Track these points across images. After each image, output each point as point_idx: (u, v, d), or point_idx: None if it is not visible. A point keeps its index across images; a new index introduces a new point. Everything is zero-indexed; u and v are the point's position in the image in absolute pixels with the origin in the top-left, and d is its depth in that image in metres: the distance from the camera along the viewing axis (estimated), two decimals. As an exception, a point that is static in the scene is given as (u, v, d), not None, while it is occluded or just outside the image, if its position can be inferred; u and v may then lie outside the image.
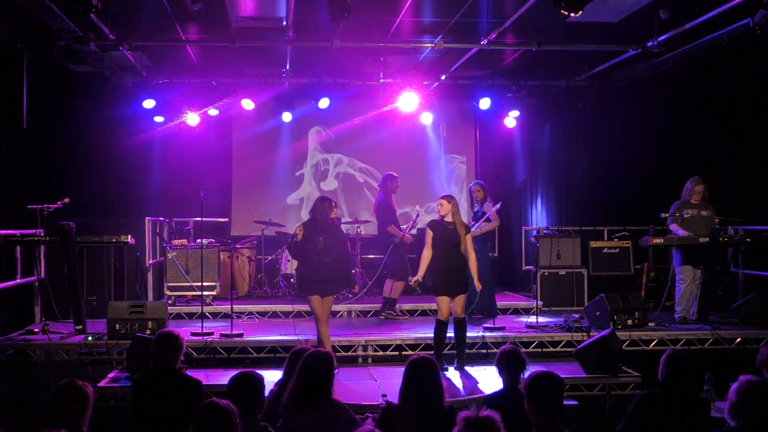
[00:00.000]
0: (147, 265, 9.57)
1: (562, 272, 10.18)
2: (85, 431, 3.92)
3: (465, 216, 10.11)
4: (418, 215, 9.67)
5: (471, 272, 7.36)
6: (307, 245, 7.21)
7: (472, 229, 8.80)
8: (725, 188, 9.84)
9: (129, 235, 8.34)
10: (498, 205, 9.01)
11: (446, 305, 7.21)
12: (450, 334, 7.37)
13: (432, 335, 7.40)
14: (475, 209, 9.36)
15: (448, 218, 7.30)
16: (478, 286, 7.39)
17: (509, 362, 4.83)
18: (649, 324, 8.38)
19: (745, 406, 3.72)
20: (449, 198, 7.43)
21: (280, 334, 8.05)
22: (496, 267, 10.70)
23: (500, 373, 4.94)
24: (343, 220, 11.35)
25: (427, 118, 11.79)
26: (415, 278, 7.43)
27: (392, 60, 10.15)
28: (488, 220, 8.98)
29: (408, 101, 10.58)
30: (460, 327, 7.28)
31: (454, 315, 7.25)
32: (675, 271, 8.89)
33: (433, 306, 7.43)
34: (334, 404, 4.30)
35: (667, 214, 8.77)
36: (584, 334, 7.96)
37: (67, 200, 8.22)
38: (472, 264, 7.39)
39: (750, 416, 3.72)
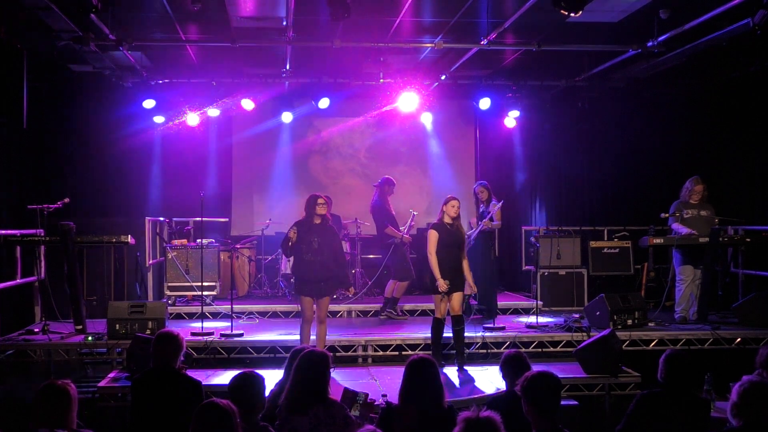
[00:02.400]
0: (147, 265, 9.57)
1: (562, 272, 10.18)
2: (75, 428, 3.91)
3: (468, 217, 10.11)
4: (413, 217, 9.67)
5: (466, 274, 7.37)
6: (300, 245, 7.19)
7: (477, 229, 8.84)
8: (725, 188, 9.84)
9: (129, 235, 8.34)
10: (500, 204, 9.01)
11: (444, 303, 7.23)
12: (448, 333, 7.37)
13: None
14: (481, 209, 9.34)
15: (449, 220, 7.31)
16: (474, 288, 7.41)
17: (513, 367, 4.81)
18: (649, 324, 8.39)
19: (746, 405, 3.72)
20: (458, 200, 7.43)
21: (280, 334, 8.06)
22: (496, 267, 10.69)
23: (504, 377, 4.95)
24: (342, 220, 11.35)
25: (427, 118, 11.77)
26: (442, 284, 7.08)
27: (392, 60, 10.14)
28: (491, 219, 8.98)
29: (408, 101, 10.56)
30: (459, 324, 7.27)
31: (452, 312, 7.25)
32: (675, 271, 8.90)
33: (433, 306, 7.42)
34: (330, 404, 4.29)
35: (667, 214, 8.78)
36: (584, 334, 7.96)
37: (67, 200, 8.23)
38: (466, 265, 7.39)
39: (752, 416, 3.71)
